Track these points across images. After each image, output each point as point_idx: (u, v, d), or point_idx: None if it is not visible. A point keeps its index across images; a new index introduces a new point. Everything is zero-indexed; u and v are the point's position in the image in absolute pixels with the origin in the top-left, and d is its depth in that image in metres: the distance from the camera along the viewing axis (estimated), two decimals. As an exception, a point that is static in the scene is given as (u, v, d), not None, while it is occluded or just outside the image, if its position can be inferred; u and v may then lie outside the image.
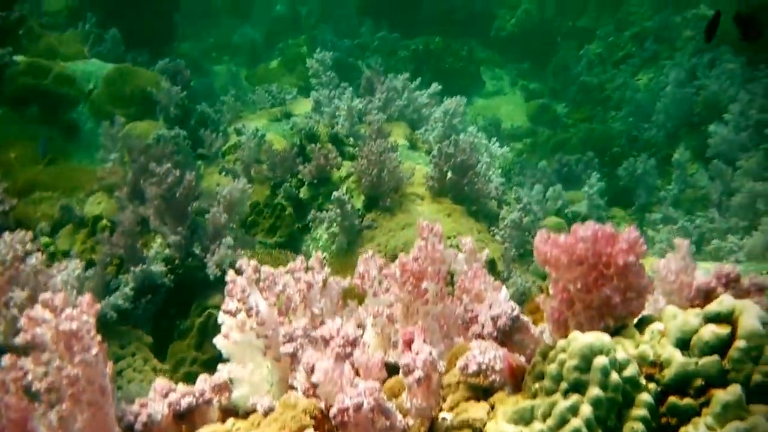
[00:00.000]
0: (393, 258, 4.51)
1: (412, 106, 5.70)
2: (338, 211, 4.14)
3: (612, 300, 1.26)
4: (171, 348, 3.93)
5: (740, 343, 1.07)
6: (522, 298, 3.42)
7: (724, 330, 1.10)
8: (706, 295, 1.31)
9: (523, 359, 1.27)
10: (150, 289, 3.95)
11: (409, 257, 1.47)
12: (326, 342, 1.37)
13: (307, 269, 1.66)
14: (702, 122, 5.88)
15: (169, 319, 4.07)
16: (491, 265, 3.74)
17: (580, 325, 1.29)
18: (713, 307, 1.14)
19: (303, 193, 4.69)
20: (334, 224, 4.19)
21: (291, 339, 1.48)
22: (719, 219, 4.68)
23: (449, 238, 4.16)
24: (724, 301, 1.14)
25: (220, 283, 3.03)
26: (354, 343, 1.38)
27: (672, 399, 1.08)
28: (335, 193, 4.18)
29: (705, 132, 5.69)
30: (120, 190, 4.31)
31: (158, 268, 3.92)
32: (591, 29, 9.44)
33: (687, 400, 1.08)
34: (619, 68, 8.12)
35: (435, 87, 5.86)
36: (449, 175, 4.52)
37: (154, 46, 7.12)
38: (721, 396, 1.04)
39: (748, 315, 1.09)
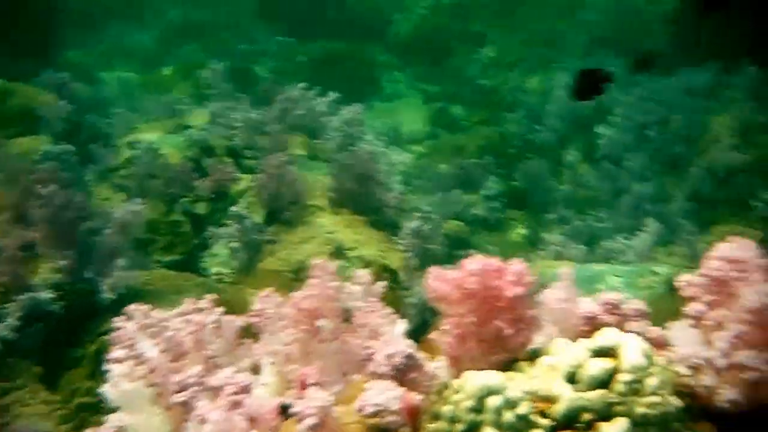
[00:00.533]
0: (297, 272, 4.39)
1: (311, 116, 5.65)
2: (237, 226, 4.04)
3: (504, 332, 1.28)
4: (64, 378, 3.72)
5: (624, 377, 1.11)
6: (425, 309, 3.45)
7: (609, 364, 1.14)
8: (592, 323, 1.35)
9: (420, 398, 1.27)
10: (38, 318, 3.72)
11: (301, 295, 1.44)
12: (218, 391, 1.32)
13: (199, 309, 1.60)
14: (590, 124, 6.16)
15: (60, 348, 3.85)
16: (393, 276, 3.75)
17: (475, 359, 1.30)
18: (599, 341, 1.17)
19: (200, 208, 4.55)
20: (234, 240, 4.09)
21: (183, 388, 1.41)
22: (608, 219, 4.92)
23: (350, 249, 4.16)
24: (609, 335, 1.18)
25: (114, 308, 2.89)
26: (246, 390, 1.34)
27: (562, 435, 1.11)
28: (233, 208, 4.07)
29: (594, 134, 5.97)
30: (1, 213, 4.02)
31: (46, 294, 3.69)
32: (484, 33, 9.68)
33: (577, 435, 1.10)
34: (512, 71, 8.38)
35: (333, 95, 5.83)
36: (348, 185, 4.51)
37: (38, 57, 6.71)
38: (608, 430, 1.08)
39: (631, 349, 1.13)
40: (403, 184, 5.97)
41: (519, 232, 5.39)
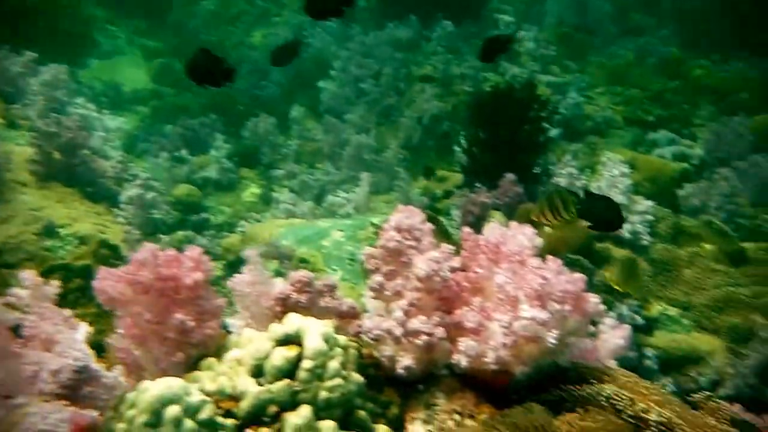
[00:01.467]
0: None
1: (4, 77, 4.92)
2: None
3: (186, 326, 1.20)
4: None
5: (306, 364, 1.10)
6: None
7: (292, 352, 1.12)
8: (285, 304, 1.33)
9: (96, 414, 1.14)
10: None
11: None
12: None
13: None
14: (313, 78, 6.23)
15: None
16: (114, 251, 3.45)
17: (157, 361, 1.21)
18: (282, 329, 1.15)
19: None
20: None
21: None
22: (334, 172, 5.06)
23: (62, 227, 3.75)
24: (291, 322, 1.16)
25: None
26: None
27: (248, 432, 1.07)
28: None
29: (317, 88, 6.06)
30: None
31: None
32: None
33: (264, 430, 1.08)
34: (234, 25, 8.13)
35: (31, 54, 5.12)
36: (56, 156, 4.04)
37: None
38: (292, 420, 1.07)
39: (312, 334, 1.12)
40: (123, 149, 5.54)
41: (253, 191, 5.32)
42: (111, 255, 3.38)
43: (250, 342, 1.17)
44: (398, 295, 1.26)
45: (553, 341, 1.18)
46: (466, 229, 1.34)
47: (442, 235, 1.87)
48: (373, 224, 3.54)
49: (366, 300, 1.35)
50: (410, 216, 1.32)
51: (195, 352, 1.22)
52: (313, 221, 3.99)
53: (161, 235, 3.99)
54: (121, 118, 5.20)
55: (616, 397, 1.16)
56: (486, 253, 1.30)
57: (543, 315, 1.17)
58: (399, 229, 1.28)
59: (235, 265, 4.16)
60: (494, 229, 1.36)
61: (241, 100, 6.51)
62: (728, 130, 4.59)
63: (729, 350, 2.92)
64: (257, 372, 1.12)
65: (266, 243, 3.65)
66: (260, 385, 1.10)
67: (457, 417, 1.18)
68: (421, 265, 1.22)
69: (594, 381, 1.23)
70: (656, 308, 3.09)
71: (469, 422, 1.15)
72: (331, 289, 1.37)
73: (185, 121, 5.92)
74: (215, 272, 4.14)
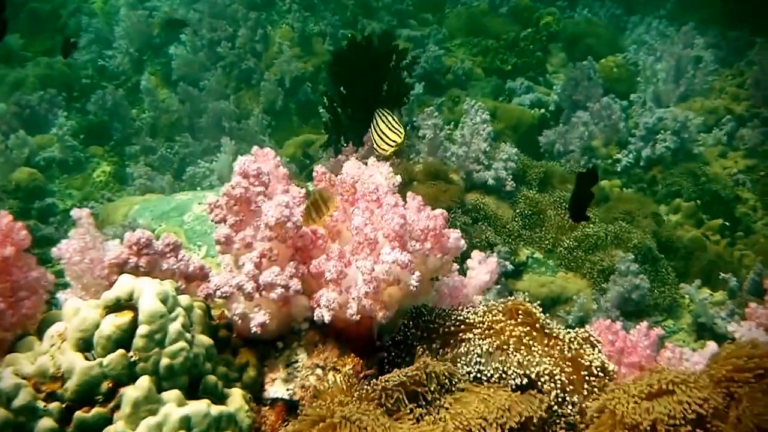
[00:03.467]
0: None
1: None
2: None
3: (-1, 307, 1.02)
4: None
5: (142, 329, 0.96)
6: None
7: (125, 318, 0.97)
8: (122, 270, 1.17)
9: None
10: None
11: None
12: None
13: None
14: (163, 44, 5.85)
15: None
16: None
17: (-33, 350, 1.02)
18: (112, 293, 1.00)
19: None
20: None
21: None
22: (193, 143, 4.78)
23: None
24: (122, 284, 1.01)
25: None
26: None
27: (78, 414, 0.92)
28: None
29: (168, 55, 5.69)
30: None
31: None
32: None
33: (96, 410, 0.93)
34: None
35: None
36: None
37: None
38: (130, 394, 0.92)
39: (146, 295, 0.98)
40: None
41: (104, 170, 4.92)
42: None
43: (76, 313, 1.01)
44: (248, 246, 1.14)
45: (416, 284, 1.11)
46: (320, 168, 1.23)
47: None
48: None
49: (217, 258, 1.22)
50: (261, 160, 1.20)
51: (10, 336, 1.04)
52: (171, 195, 3.74)
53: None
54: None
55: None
56: (342, 193, 1.20)
57: (404, 257, 1.09)
58: (245, 174, 1.15)
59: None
60: (350, 166, 1.27)
61: (85, 72, 6.01)
62: (580, 74, 4.74)
63: (593, 287, 3.03)
64: (85, 346, 0.97)
65: (120, 224, 3.37)
66: (89, 360, 0.95)
67: (319, 372, 1.08)
68: (271, 211, 1.10)
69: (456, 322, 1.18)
70: (524, 252, 3.15)
71: (332, 376, 1.06)
72: (175, 248, 1.22)
73: (21, 98, 5.38)
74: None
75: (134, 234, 1.18)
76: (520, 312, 1.19)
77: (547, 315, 1.21)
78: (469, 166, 3.27)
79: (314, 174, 1.23)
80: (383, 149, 1.71)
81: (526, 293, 2.92)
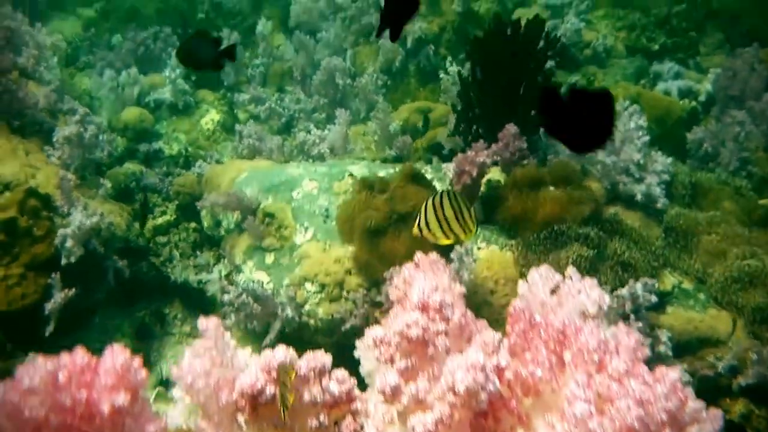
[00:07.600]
0: None
1: None
2: None
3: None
4: None
5: None
6: (88, 240, 2.79)
7: None
8: (254, 401, 0.92)
9: None
10: None
11: None
12: None
13: None
14: (282, -12, 5.57)
15: None
16: (45, 201, 2.94)
17: None
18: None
19: None
20: None
21: None
22: (305, 99, 4.53)
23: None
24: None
25: None
26: None
27: None
28: None
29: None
30: None
31: None
32: None
33: None
34: None
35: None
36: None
37: None
38: None
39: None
40: (63, 63, 4.88)
41: (212, 117, 4.76)
42: (41, 206, 2.88)
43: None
44: (420, 404, 0.86)
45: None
46: (517, 304, 0.92)
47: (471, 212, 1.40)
48: (351, 175, 3.09)
49: (370, 400, 0.95)
50: (438, 283, 0.90)
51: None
52: (281, 164, 3.52)
53: (103, 180, 3.47)
54: (58, 35, 4.51)
55: None
56: (547, 341, 0.89)
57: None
58: (425, 308, 0.86)
59: (188, 209, 3.68)
60: (543, 286, 0.95)
61: (201, 7, 5.82)
62: (740, 62, 4.14)
63: (750, 331, 2.62)
64: None
65: (226, 192, 3.18)
66: None
67: None
68: (460, 374, 0.81)
69: None
70: (670, 280, 2.75)
71: None
72: (321, 373, 0.96)
73: (137, 33, 5.25)
74: (167, 219, 3.72)
75: (273, 355, 0.92)
76: None
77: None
78: (616, 177, 2.87)
79: (509, 312, 0.92)
80: (437, 237, 1.41)
81: (669, 331, 2.56)
